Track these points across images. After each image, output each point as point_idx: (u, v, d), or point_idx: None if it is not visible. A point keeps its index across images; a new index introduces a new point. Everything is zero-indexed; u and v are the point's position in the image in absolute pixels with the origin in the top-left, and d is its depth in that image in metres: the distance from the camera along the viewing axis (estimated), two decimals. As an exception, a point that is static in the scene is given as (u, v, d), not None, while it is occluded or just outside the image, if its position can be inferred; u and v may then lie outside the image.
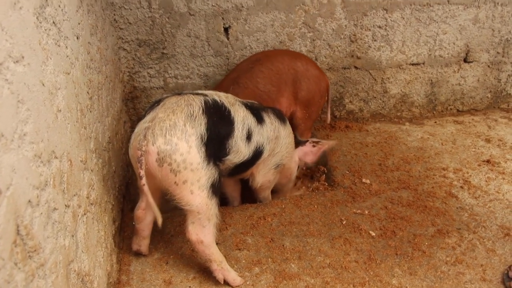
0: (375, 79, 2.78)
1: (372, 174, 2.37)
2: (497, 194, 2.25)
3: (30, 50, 1.08)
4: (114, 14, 2.28)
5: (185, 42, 2.42)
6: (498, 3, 2.82)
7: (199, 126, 1.50)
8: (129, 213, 1.98)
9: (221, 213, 1.71)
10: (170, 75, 2.48)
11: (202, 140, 1.49)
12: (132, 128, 2.45)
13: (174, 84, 2.50)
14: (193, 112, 1.51)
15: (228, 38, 2.48)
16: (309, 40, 2.58)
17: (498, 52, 2.97)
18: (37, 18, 1.16)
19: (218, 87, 2.20)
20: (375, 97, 2.84)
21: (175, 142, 1.45)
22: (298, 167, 2.24)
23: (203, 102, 1.56)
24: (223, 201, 2.14)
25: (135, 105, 2.51)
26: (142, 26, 2.34)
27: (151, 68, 2.45)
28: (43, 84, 1.14)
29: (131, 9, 2.29)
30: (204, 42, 2.44)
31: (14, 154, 0.94)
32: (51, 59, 1.22)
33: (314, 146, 2.25)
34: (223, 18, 2.42)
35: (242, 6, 2.42)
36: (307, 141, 2.28)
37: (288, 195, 2.27)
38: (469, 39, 2.87)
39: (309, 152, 2.25)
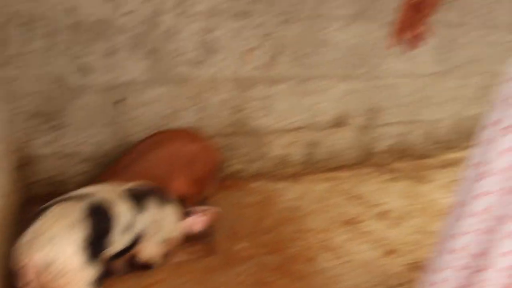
0: (258, 143, 3.10)
1: (248, 237, 2.67)
2: (353, 255, 2.63)
3: None
4: (8, 87, 2.40)
5: (78, 112, 2.58)
6: (371, 77, 3.25)
7: (81, 232, 1.69)
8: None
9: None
10: (63, 143, 2.63)
11: (83, 245, 1.69)
12: (20, 198, 2.58)
13: (67, 152, 2.65)
14: (74, 219, 1.70)
15: (120, 110, 2.67)
16: (198, 111, 2.84)
17: (368, 118, 3.42)
18: None
19: (111, 171, 2.37)
20: (257, 159, 3.16)
21: (56, 251, 1.63)
22: (183, 235, 2.48)
23: (85, 207, 1.75)
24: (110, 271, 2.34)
25: (26, 173, 2.63)
26: (38, 98, 2.47)
27: (45, 136, 2.58)
28: None
29: (26, 82, 2.42)
30: (97, 114, 2.61)
31: None
32: None
33: (200, 215, 2.50)
34: (116, 92, 2.61)
35: (135, 81, 2.62)
36: (194, 210, 2.51)
37: (171, 260, 2.50)
38: (344, 107, 3.29)
39: (196, 222, 2.49)
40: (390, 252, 2.68)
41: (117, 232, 1.88)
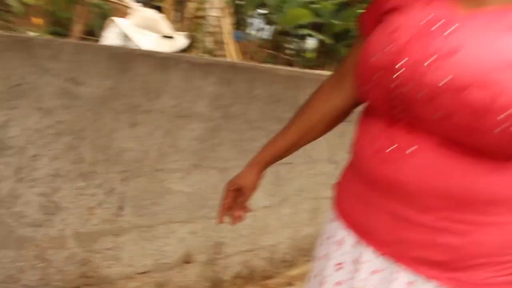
0: (106, 293, 3.17)
1: None
2: None
3: None
4: None
5: None
6: (212, 216, 3.57)
7: None
8: None
9: None
10: None
11: None
12: None
13: None
14: None
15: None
16: (41, 270, 2.85)
17: (213, 252, 3.71)
18: None
19: None
20: (106, 309, 3.21)
21: None
22: None
23: None
24: None
25: None
26: None
27: None
28: None
29: None
30: None
31: None
32: None
33: None
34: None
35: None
36: None
37: None
38: (189, 246, 3.54)
39: None
40: None
41: None
